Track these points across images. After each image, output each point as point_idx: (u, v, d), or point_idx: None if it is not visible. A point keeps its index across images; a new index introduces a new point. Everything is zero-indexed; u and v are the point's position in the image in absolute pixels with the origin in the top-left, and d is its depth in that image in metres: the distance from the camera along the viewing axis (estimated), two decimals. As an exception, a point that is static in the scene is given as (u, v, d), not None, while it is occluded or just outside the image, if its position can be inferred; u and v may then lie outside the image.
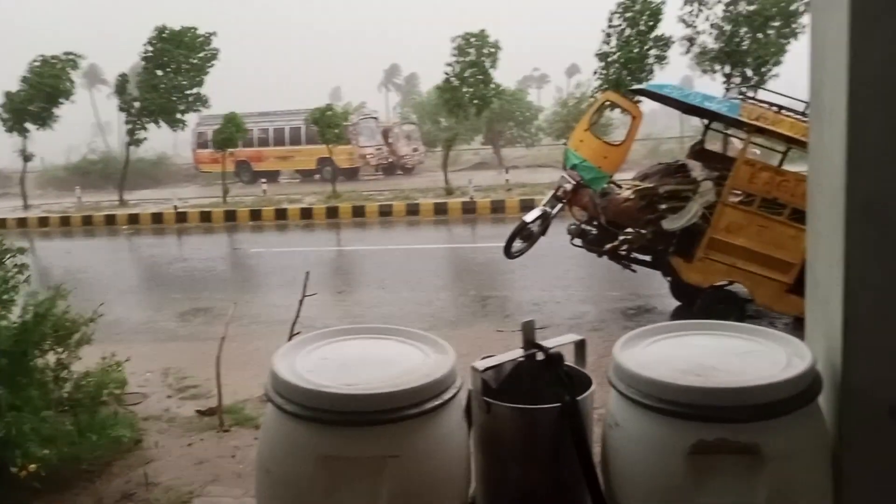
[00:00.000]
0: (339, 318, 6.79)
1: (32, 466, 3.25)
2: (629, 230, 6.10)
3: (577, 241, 6.51)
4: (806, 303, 1.69)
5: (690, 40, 14.82)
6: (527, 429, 1.53)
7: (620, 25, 14.86)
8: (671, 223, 5.93)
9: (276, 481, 1.32)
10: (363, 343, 1.56)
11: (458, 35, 16.26)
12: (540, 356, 1.56)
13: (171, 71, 18.31)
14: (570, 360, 1.62)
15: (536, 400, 1.54)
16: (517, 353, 1.57)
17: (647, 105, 9.72)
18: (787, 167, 6.24)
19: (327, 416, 1.26)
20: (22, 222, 16.97)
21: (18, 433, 3.32)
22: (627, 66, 14.66)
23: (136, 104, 18.49)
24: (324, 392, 1.29)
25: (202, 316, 7.44)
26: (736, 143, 8.39)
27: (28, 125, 19.05)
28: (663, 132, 40.16)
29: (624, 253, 6.28)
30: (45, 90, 18.48)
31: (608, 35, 14.99)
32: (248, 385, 4.58)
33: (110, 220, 16.55)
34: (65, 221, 16.81)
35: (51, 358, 3.98)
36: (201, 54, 18.61)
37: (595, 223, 6.37)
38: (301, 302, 4.59)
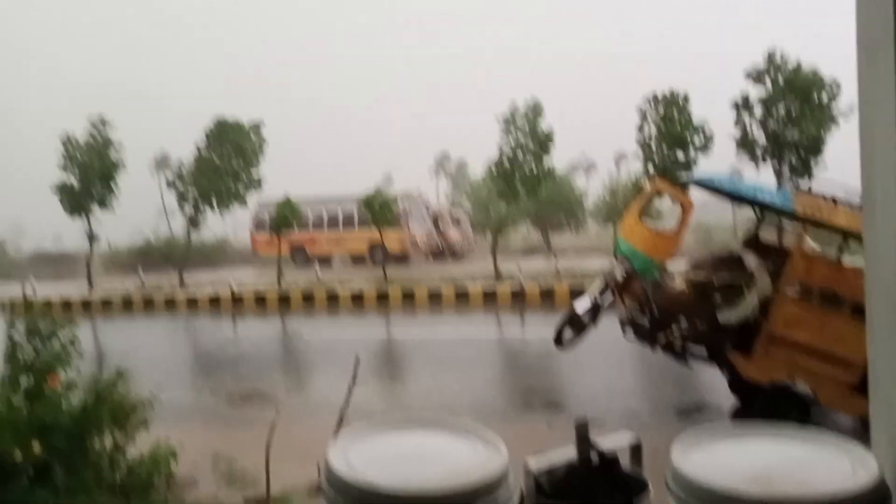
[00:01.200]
0: (387, 407, 6.75)
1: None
2: (683, 322, 5.98)
3: (630, 333, 6.39)
4: (870, 405, 1.62)
5: (741, 137, 15.07)
6: (581, 534, 1.48)
7: (653, 118, 15.34)
8: (727, 316, 5.79)
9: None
10: (415, 435, 1.56)
11: (511, 110, 16.63)
12: (594, 456, 1.52)
13: (225, 157, 19.30)
14: (624, 459, 1.58)
15: (590, 502, 1.49)
16: (570, 452, 1.54)
17: (698, 192, 9.75)
18: (846, 259, 6.08)
19: (381, 513, 1.26)
20: (86, 304, 17.63)
21: (74, 516, 3.33)
22: (669, 155, 14.97)
23: (192, 189, 19.45)
24: (375, 489, 1.29)
25: (253, 401, 7.50)
26: (791, 234, 8.26)
27: (91, 208, 20.03)
28: (716, 220, 39.79)
29: (678, 346, 6.12)
30: (93, 169, 19.54)
31: (645, 124, 15.43)
32: (296, 474, 4.56)
33: (170, 302, 17.07)
34: (127, 303, 17.40)
35: (107, 440, 4.03)
36: (253, 141, 19.62)
37: (647, 314, 6.26)
38: (350, 389, 4.60)
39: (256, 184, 19.83)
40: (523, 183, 16.52)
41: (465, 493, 1.34)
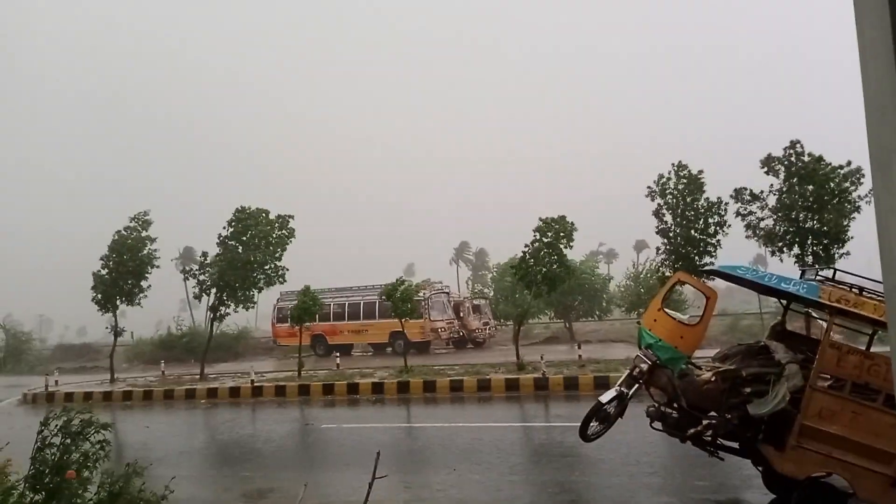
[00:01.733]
0: (406, 502, 6.55)
1: None
2: (713, 414, 5.83)
3: (657, 425, 6.22)
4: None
5: (754, 228, 15.11)
6: None
7: (667, 205, 15.55)
8: (757, 408, 5.65)
9: None
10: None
11: (540, 220, 16.98)
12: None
13: (249, 248, 19.60)
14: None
15: None
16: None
17: (721, 280, 9.72)
18: (876, 350, 5.95)
19: None
20: (107, 395, 17.62)
21: None
22: (688, 245, 15.05)
23: (214, 280, 19.66)
24: None
25: (270, 496, 7.33)
26: (819, 324, 8.13)
27: (118, 303, 20.38)
28: (741, 308, 39.31)
29: (708, 438, 5.95)
30: (128, 266, 19.98)
31: (661, 214, 15.59)
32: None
33: (190, 393, 17.00)
34: (147, 395, 17.36)
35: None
36: (279, 233, 19.95)
37: (675, 405, 6.12)
38: (371, 484, 4.50)
39: (280, 276, 20.02)
40: (544, 279, 16.66)
41: None
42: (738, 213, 15.21)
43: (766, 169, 14.92)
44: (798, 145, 14.77)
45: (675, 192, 15.54)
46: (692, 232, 15.27)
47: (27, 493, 3.71)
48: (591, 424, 6.43)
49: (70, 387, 19.20)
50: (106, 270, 20.23)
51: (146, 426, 13.17)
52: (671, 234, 15.56)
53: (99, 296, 20.17)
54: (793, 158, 14.71)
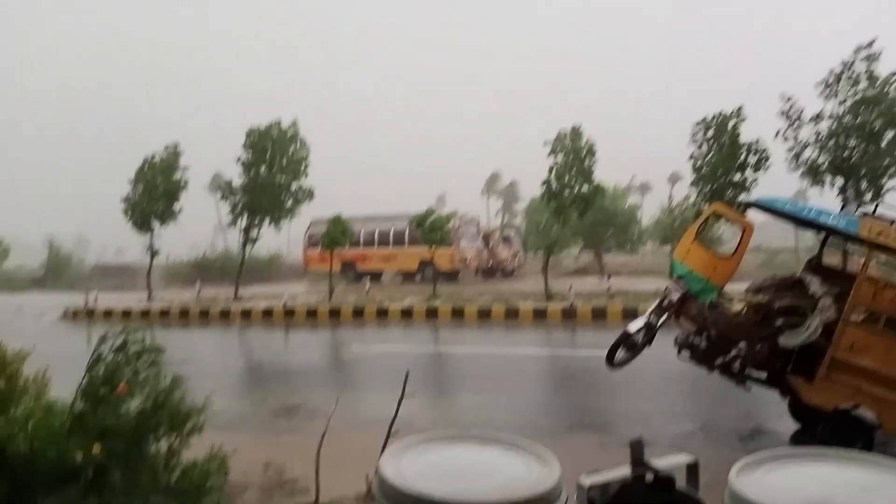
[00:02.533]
0: (434, 422, 6.74)
1: (139, 553, 3.32)
2: (742, 345, 5.82)
3: (685, 354, 6.24)
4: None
5: (796, 156, 14.50)
6: (636, 554, 1.46)
7: (707, 138, 14.98)
8: (789, 339, 5.62)
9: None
10: (467, 449, 1.56)
11: (553, 138, 16.61)
12: (649, 477, 1.50)
13: (272, 168, 19.73)
14: (681, 481, 1.54)
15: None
16: (624, 471, 1.52)
17: (759, 215, 9.48)
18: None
19: (432, 523, 1.26)
20: (145, 313, 18.22)
21: (128, 518, 3.40)
22: (724, 176, 14.59)
23: (243, 203, 19.96)
24: (429, 499, 1.29)
25: (303, 411, 7.59)
26: (856, 259, 7.97)
27: (153, 223, 20.87)
28: (777, 243, 38.69)
29: (737, 369, 5.95)
30: (159, 187, 20.35)
31: (699, 146, 15.08)
32: (345, 483, 4.59)
33: (225, 313, 17.48)
34: (184, 314, 17.90)
35: (163, 445, 4.13)
36: (293, 148, 20.01)
37: (704, 336, 6.11)
38: (400, 402, 4.62)
39: (307, 195, 20.20)
40: (573, 203, 16.41)
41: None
42: (782, 135, 14.51)
43: (824, 88, 14.08)
44: (870, 58, 13.67)
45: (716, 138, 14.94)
46: (731, 171, 14.75)
47: (79, 401, 3.87)
48: (619, 352, 6.48)
49: (109, 304, 19.86)
50: (137, 193, 20.61)
51: (183, 342, 13.63)
52: (709, 170, 15.09)
53: (135, 217, 20.64)
54: (847, 81, 13.81)
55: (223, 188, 20.96)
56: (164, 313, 18.07)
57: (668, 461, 1.54)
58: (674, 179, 77.54)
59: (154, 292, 21.96)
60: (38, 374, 4.33)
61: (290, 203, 20.25)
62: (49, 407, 3.87)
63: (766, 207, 6.16)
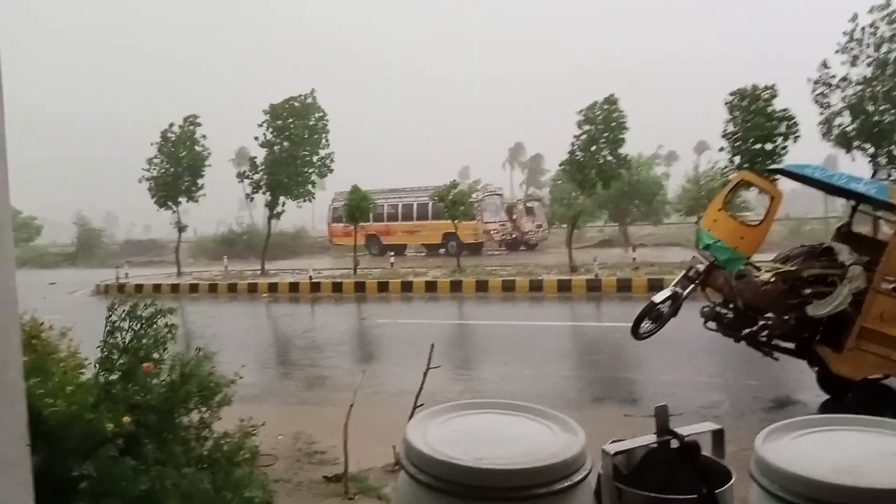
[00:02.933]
0: (459, 393, 6.80)
1: (172, 521, 3.40)
2: (769, 315, 5.76)
3: (712, 325, 6.19)
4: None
5: (827, 121, 14.15)
6: (660, 520, 1.47)
7: (739, 106, 14.64)
8: (817, 309, 5.54)
9: (406, 550, 1.36)
10: (493, 418, 1.58)
11: (586, 107, 16.37)
12: (674, 444, 1.50)
13: (291, 143, 19.74)
14: (706, 450, 1.54)
15: (669, 490, 1.47)
16: (650, 438, 1.52)
17: (787, 184, 9.30)
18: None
19: (458, 488, 1.28)
20: (175, 288, 18.52)
21: (161, 488, 3.48)
22: (755, 145, 14.28)
23: (267, 180, 20.03)
24: (455, 464, 1.31)
25: (330, 383, 7.71)
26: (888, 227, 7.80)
27: (179, 199, 21.04)
28: (805, 212, 38.02)
29: (764, 339, 5.90)
30: (182, 162, 20.45)
31: (731, 113, 14.76)
32: (372, 454, 4.66)
33: (252, 287, 17.72)
34: (212, 288, 18.17)
35: (194, 417, 4.21)
36: (312, 121, 19.98)
37: (731, 306, 6.06)
38: (425, 374, 4.66)
39: (328, 165, 20.22)
40: (598, 173, 16.21)
41: (542, 471, 1.35)
42: (815, 101, 14.18)
43: (846, 51, 13.71)
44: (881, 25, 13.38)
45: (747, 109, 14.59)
46: (761, 140, 14.42)
47: (102, 373, 3.95)
48: (644, 323, 6.45)
49: (139, 279, 20.20)
50: (160, 169, 20.74)
51: (212, 316, 13.86)
52: (739, 140, 14.79)
53: (160, 193, 20.83)
54: (872, 42, 13.42)
55: (243, 163, 21.08)
56: (194, 288, 18.35)
57: (693, 429, 1.55)
58: (701, 149, 76.28)
59: (183, 267, 22.28)
60: (72, 346, 4.44)
61: (312, 175, 20.28)
62: (82, 376, 3.96)
63: (794, 175, 6.05)
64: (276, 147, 19.94)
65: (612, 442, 1.52)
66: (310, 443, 5.41)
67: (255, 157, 20.71)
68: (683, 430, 1.55)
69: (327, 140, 20.22)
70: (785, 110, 14.34)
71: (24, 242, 38.50)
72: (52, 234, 47.88)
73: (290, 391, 7.56)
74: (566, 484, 1.31)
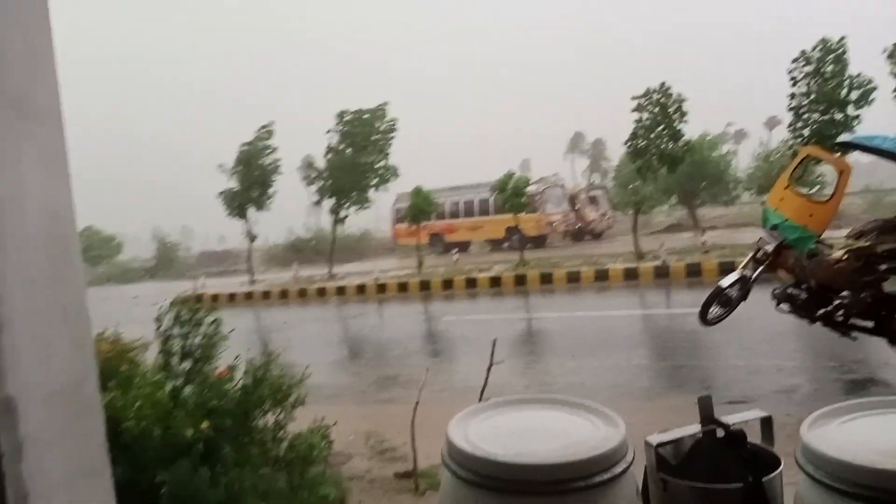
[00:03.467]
0: (525, 387, 6.80)
1: (251, 521, 3.54)
2: (844, 294, 5.52)
3: (784, 307, 5.98)
4: None
5: None
6: (707, 509, 1.45)
7: (806, 76, 13.93)
8: (894, 285, 5.28)
9: (451, 544, 1.39)
10: (534, 413, 1.60)
11: (639, 94, 15.99)
12: (720, 433, 1.48)
13: (356, 150, 20.08)
14: (756, 438, 1.52)
15: (717, 480, 1.45)
16: (694, 428, 1.51)
17: (866, 155, 8.84)
18: None
19: (496, 483, 1.31)
20: (249, 295, 19.15)
21: (240, 489, 3.63)
22: (824, 115, 13.57)
23: (329, 186, 20.46)
24: (492, 460, 1.34)
25: (399, 382, 7.83)
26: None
27: (250, 209, 21.77)
28: (885, 183, 36.05)
29: (840, 319, 5.66)
30: (254, 174, 21.11)
31: (795, 85, 14.09)
32: (439, 451, 4.72)
33: (321, 292, 18.14)
34: (283, 294, 18.71)
35: (269, 419, 4.36)
36: (382, 127, 20.23)
37: (803, 287, 5.84)
38: (489, 370, 4.69)
39: (392, 173, 20.51)
40: (659, 160, 15.81)
41: (581, 465, 1.36)
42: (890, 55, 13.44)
43: None
44: None
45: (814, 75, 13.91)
46: (832, 109, 13.71)
47: (169, 380, 4.11)
48: (712, 309, 6.29)
49: (214, 289, 20.98)
50: (235, 181, 21.54)
51: (284, 322, 14.27)
52: (807, 110, 14.13)
53: (233, 205, 21.62)
54: None
55: (309, 171, 21.58)
56: (266, 295, 18.93)
57: (741, 417, 1.52)
58: (772, 124, 73.26)
59: (255, 275, 23.01)
60: (152, 357, 4.67)
61: (374, 182, 20.62)
62: (157, 387, 4.16)
63: (863, 146, 5.77)
64: (339, 153, 20.36)
65: (657, 433, 1.52)
66: (380, 440, 5.52)
67: (318, 164, 21.26)
68: (730, 419, 1.52)
69: (390, 149, 20.50)
70: (858, 75, 13.62)
71: (108, 259, 40.52)
72: (133, 249, 50.22)
73: (360, 391, 7.72)
74: (606, 477, 1.31)
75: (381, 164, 20.53)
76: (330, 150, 20.58)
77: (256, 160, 21.38)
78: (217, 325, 4.20)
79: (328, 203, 21.28)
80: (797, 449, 1.32)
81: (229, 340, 4.37)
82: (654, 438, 1.50)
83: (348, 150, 20.30)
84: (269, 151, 21.60)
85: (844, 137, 10.48)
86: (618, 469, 1.36)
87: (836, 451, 1.24)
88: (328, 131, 20.58)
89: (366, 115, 20.24)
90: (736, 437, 1.48)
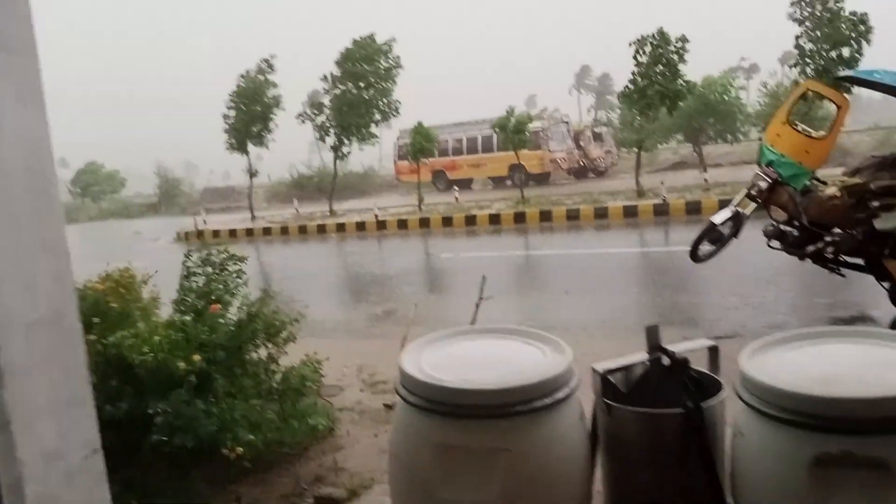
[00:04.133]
0: (517, 322, 6.88)
1: (240, 449, 3.66)
2: (836, 231, 5.53)
3: (776, 244, 5.99)
4: None
5: None
6: (649, 433, 1.50)
7: (809, 8, 13.56)
8: (885, 222, 5.27)
9: (402, 467, 1.44)
10: (487, 342, 1.63)
11: (635, 39, 15.63)
12: (666, 361, 1.52)
13: (359, 86, 19.71)
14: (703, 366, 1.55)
15: (667, 407, 1.50)
16: (640, 356, 1.54)
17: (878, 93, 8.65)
18: None
19: (443, 408, 1.35)
20: (249, 232, 19.25)
21: (231, 419, 3.74)
22: (829, 50, 13.26)
23: (332, 122, 20.18)
24: (441, 386, 1.38)
25: (394, 316, 7.94)
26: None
27: (250, 144, 21.56)
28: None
29: (830, 256, 5.68)
30: (255, 110, 20.79)
31: (800, 21, 13.72)
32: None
33: (321, 228, 18.21)
34: (284, 231, 18.79)
35: (262, 352, 4.45)
36: (386, 64, 19.82)
37: (796, 224, 5.83)
38: (478, 305, 4.74)
39: (394, 110, 20.22)
40: (661, 99, 15.55)
41: (524, 390, 1.41)
42: None
43: None
44: None
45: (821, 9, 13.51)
46: (837, 45, 13.36)
47: (176, 314, 4.20)
48: (703, 245, 6.31)
49: (216, 225, 21.05)
50: (234, 115, 21.25)
51: (285, 258, 14.38)
52: (812, 45, 13.80)
53: (232, 140, 21.42)
54: None
55: (310, 107, 21.26)
56: (267, 231, 19.01)
57: (687, 346, 1.56)
58: (786, 59, 71.40)
59: (257, 212, 23.03)
60: (154, 292, 4.74)
61: (377, 118, 20.35)
62: (168, 323, 4.23)
63: (863, 81, 5.66)
64: (342, 88, 20.02)
65: (606, 361, 1.55)
66: (372, 374, 5.64)
67: (322, 101, 20.91)
68: (676, 347, 1.56)
69: (394, 85, 20.10)
70: (858, 12, 13.25)
71: (111, 194, 40.54)
72: (136, 185, 50.15)
73: (357, 326, 7.84)
74: (548, 402, 1.36)
75: (384, 99, 20.24)
76: (333, 85, 20.23)
77: (257, 94, 21.04)
78: (239, 272, 4.26)
79: (331, 140, 21.07)
80: (736, 378, 1.36)
81: (247, 284, 4.42)
82: (602, 366, 1.54)
83: (351, 86, 19.97)
84: (270, 86, 21.24)
85: (845, 72, 10.27)
86: (560, 394, 1.40)
87: (771, 378, 1.27)
88: (331, 72, 20.14)
89: (371, 50, 19.81)
90: (680, 364, 1.52)
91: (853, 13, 13.18)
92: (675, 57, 15.32)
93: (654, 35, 15.40)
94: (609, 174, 27.71)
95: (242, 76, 21.26)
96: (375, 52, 19.86)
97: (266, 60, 21.26)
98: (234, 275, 4.67)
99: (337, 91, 20.13)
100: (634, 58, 15.54)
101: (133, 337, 3.67)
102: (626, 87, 15.85)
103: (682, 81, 15.51)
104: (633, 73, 15.74)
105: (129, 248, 16.52)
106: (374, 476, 3.74)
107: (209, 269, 4.54)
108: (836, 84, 7.95)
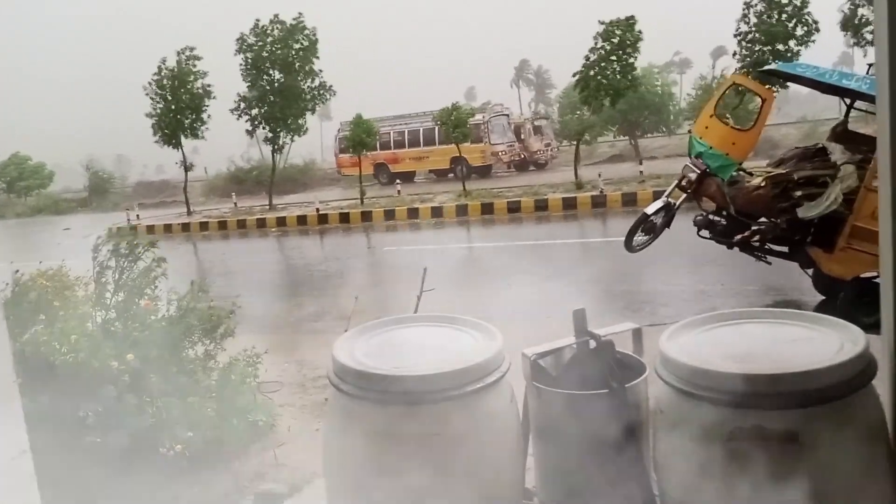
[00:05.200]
0: (459, 314, 6.94)
1: (178, 447, 3.59)
2: (762, 220, 5.77)
3: (705, 233, 6.22)
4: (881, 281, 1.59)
5: (845, 18, 13.59)
6: (576, 415, 1.56)
7: (755, 3, 14.06)
8: (807, 211, 5.53)
9: (336, 454, 1.45)
10: (421, 330, 1.66)
11: (603, 22, 15.85)
12: (592, 344, 1.57)
13: (276, 72, 19.06)
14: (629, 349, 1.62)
15: (595, 389, 1.55)
16: (568, 340, 1.60)
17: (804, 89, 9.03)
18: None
19: (374, 395, 1.37)
20: (186, 227, 18.75)
21: (168, 417, 3.66)
22: (768, 45, 13.76)
23: (261, 113, 19.53)
24: (371, 373, 1.40)
25: (335, 311, 7.88)
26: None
27: (182, 137, 20.69)
28: (822, 113, 37.04)
29: (756, 244, 5.92)
30: (182, 100, 19.91)
31: (745, 14, 14.20)
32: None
33: (261, 223, 17.89)
34: (222, 225, 18.37)
35: (199, 349, 4.35)
36: (301, 44, 19.20)
37: (724, 213, 6.07)
38: (419, 297, 4.75)
39: (327, 93, 19.69)
40: (606, 91, 15.85)
41: (454, 374, 1.43)
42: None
43: None
44: None
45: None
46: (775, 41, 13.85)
47: (96, 310, 4.07)
48: (637, 236, 6.49)
49: (150, 220, 20.41)
50: (159, 106, 20.30)
51: (222, 253, 14.09)
52: (750, 39, 14.26)
53: (161, 133, 20.55)
54: None
55: (237, 101, 20.47)
56: (204, 226, 18.55)
57: (612, 329, 1.61)
58: (717, 54, 73.60)
59: (194, 206, 22.42)
60: (88, 291, 4.57)
61: (310, 105, 19.83)
62: (86, 320, 4.10)
63: (786, 74, 5.91)
64: (264, 77, 19.33)
65: (535, 346, 1.60)
66: (314, 368, 5.59)
67: (246, 92, 20.16)
68: (602, 331, 1.61)
69: (316, 63, 19.35)
70: (804, 8, 13.78)
71: (38, 189, 38.74)
72: (65, 180, 48.07)
73: (297, 321, 7.75)
74: (478, 386, 1.39)
75: (311, 84, 19.65)
76: (254, 73, 19.47)
77: (180, 84, 20.08)
78: (159, 261, 4.13)
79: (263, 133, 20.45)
80: (656, 359, 1.42)
81: (166, 274, 4.30)
82: (531, 351, 1.58)
83: (272, 72, 19.32)
84: (196, 75, 20.29)
85: (769, 67, 10.69)
86: (490, 378, 1.44)
87: (688, 357, 1.33)
88: (241, 59, 19.29)
89: (276, 30, 19.08)
90: (605, 347, 1.57)
91: (802, 11, 13.69)
92: (631, 50, 15.62)
93: (620, 23, 15.62)
94: (549, 167, 28.08)
95: (159, 66, 20.30)
96: (287, 33, 19.15)
97: (188, 47, 20.35)
98: (152, 262, 4.49)
99: (262, 82, 19.44)
100: (600, 38, 15.73)
101: (48, 335, 3.55)
102: (580, 72, 16.02)
103: (630, 76, 15.85)
104: (587, 61, 15.94)
105: (59, 246, 15.85)
106: (315, 470, 3.71)
107: (122, 262, 4.36)
108: (763, 78, 8.25)
